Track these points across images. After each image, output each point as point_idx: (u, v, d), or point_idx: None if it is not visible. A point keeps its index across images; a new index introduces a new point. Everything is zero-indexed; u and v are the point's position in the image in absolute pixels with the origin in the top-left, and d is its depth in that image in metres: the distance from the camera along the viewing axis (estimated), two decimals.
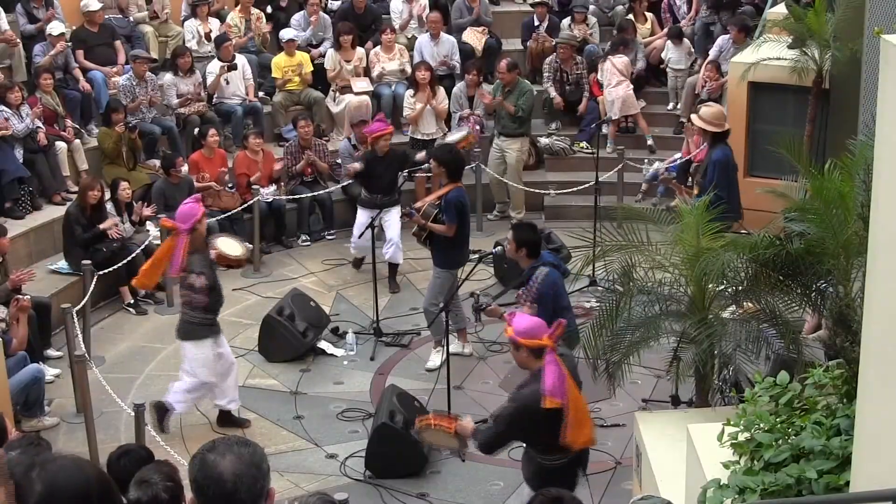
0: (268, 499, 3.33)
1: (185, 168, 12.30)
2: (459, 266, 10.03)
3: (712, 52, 13.99)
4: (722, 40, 13.97)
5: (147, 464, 5.17)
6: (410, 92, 13.84)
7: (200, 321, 8.83)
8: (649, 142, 14.23)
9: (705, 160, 10.60)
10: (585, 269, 8.64)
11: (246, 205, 12.53)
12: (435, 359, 10.18)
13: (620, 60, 14.01)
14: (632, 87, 14.08)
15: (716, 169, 10.26)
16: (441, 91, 13.85)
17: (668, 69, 14.65)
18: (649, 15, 15.24)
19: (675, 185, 12.04)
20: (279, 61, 14.22)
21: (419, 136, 13.70)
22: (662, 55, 14.63)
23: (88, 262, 10.49)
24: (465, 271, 9.93)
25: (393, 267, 11.87)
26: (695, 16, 15.05)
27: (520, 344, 6.54)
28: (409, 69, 14.39)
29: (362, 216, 11.58)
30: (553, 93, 14.38)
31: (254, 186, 12.55)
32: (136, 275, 11.37)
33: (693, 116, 10.52)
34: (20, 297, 9.48)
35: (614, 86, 13.95)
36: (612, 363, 7.40)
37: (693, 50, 14.54)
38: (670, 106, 14.67)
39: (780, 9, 12.83)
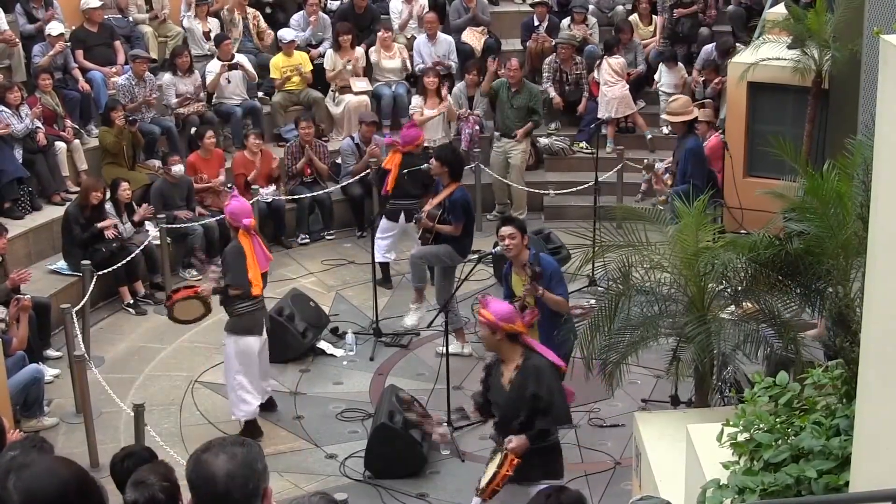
0: (264, 498, 3.33)
1: (178, 167, 12.22)
2: (465, 255, 10.27)
3: (700, 61, 14.13)
4: (705, 52, 14.12)
5: None
6: (418, 99, 13.67)
7: None
8: (648, 136, 14.23)
9: (679, 150, 10.83)
10: (584, 268, 8.66)
11: None
12: (413, 317, 10.58)
13: (616, 61, 14.04)
14: (627, 87, 14.09)
15: (689, 158, 10.49)
16: (448, 98, 13.75)
17: (659, 92, 14.32)
18: (655, 18, 15.17)
19: (657, 176, 12.08)
20: (277, 62, 14.22)
21: (425, 143, 13.54)
22: (655, 76, 14.39)
23: (88, 262, 10.49)
24: (465, 272, 9.95)
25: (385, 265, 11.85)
26: (658, 45, 14.86)
27: (499, 327, 6.72)
28: (409, 65, 14.40)
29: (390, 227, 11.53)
30: (552, 93, 14.38)
31: (253, 187, 12.54)
32: (137, 276, 11.50)
33: (663, 117, 10.82)
34: (21, 296, 9.48)
35: (610, 86, 13.98)
36: (611, 363, 7.40)
37: (686, 76, 14.22)
38: (666, 130, 14.04)
39: (780, 9, 12.84)
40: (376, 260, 11.39)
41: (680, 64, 14.25)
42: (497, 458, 6.83)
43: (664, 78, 14.24)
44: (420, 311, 10.80)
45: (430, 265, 10.73)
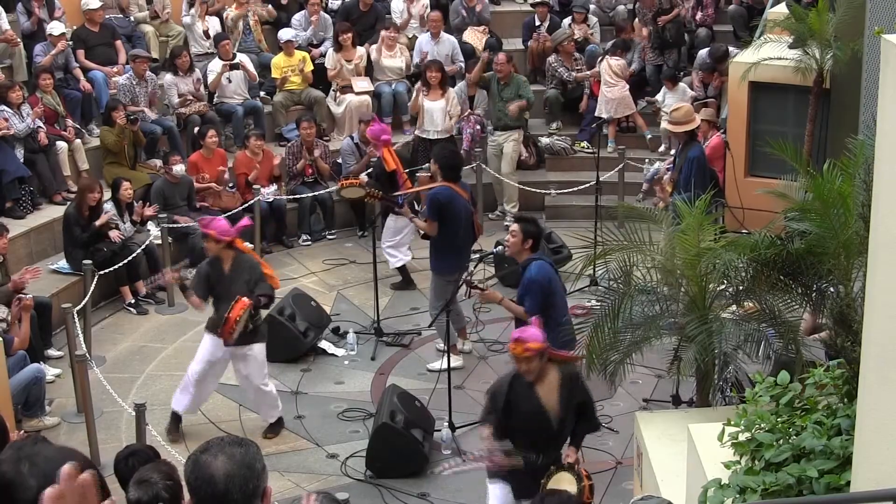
0: (264, 498, 3.33)
1: (179, 167, 12.24)
2: (453, 272, 9.75)
3: (698, 62, 14.13)
4: (700, 57, 14.14)
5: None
6: (423, 90, 13.63)
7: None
8: (648, 136, 14.22)
9: (681, 158, 10.84)
10: (586, 269, 8.66)
11: (246, 204, 12.52)
12: (440, 362, 10.19)
13: (617, 63, 14.05)
14: (627, 87, 14.09)
15: (692, 166, 10.54)
16: (452, 92, 13.74)
17: (661, 113, 13.90)
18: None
19: (660, 186, 12.19)
20: (278, 61, 14.23)
21: (426, 136, 13.56)
22: (658, 97, 14.14)
23: (89, 261, 10.49)
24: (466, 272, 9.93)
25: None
26: (643, 57, 14.74)
27: (546, 350, 6.82)
28: (409, 63, 14.41)
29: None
30: (564, 74, 14.36)
31: (254, 186, 12.55)
32: (138, 275, 11.51)
33: (664, 126, 10.84)
34: (22, 296, 9.47)
35: (610, 87, 13.99)
36: (612, 362, 7.40)
37: (691, 91, 13.93)
38: (662, 148, 14.02)
39: (781, 8, 12.83)
40: (394, 266, 11.65)
41: (682, 84, 14.01)
42: (568, 478, 6.79)
43: (667, 99, 13.88)
44: (460, 358, 10.17)
45: (444, 299, 9.80)
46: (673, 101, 13.86)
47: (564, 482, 6.77)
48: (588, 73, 14.35)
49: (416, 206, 10.82)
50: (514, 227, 8.47)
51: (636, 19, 15.11)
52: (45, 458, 3.26)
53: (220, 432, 9.00)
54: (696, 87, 13.94)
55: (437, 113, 13.44)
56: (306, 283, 12.01)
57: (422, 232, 10.19)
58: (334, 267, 12.58)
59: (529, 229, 8.41)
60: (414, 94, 13.74)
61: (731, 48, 13.94)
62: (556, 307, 8.34)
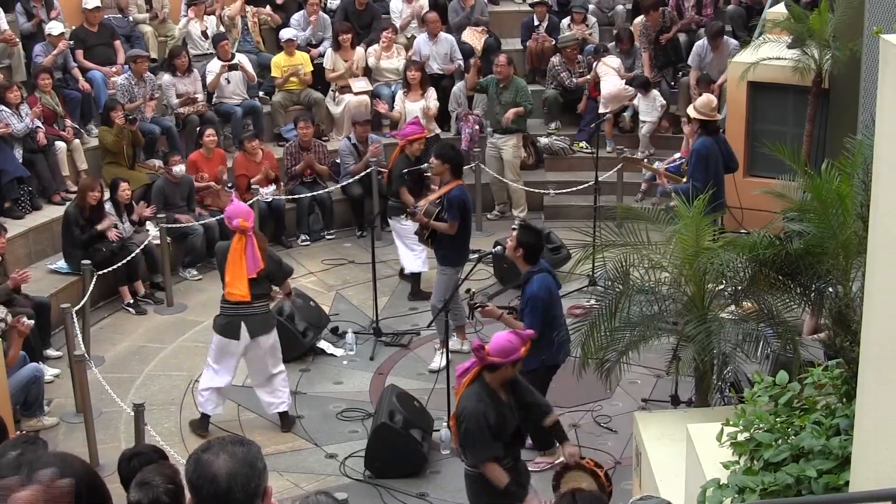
0: (264, 497, 3.33)
1: (179, 167, 12.23)
2: (463, 263, 10.07)
3: (693, 62, 14.05)
4: (698, 47, 14.05)
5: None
6: (403, 91, 13.82)
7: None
8: (627, 112, 14.32)
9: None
10: (584, 268, 8.67)
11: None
12: (438, 360, 10.16)
13: (612, 60, 14.09)
14: (624, 81, 14.10)
15: (692, 159, 10.53)
16: (431, 91, 13.77)
17: (639, 118, 14.13)
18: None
19: (648, 166, 12.18)
20: (279, 61, 14.22)
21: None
22: (634, 102, 14.15)
23: (88, 261, 10.48)
24: (465, 271, 9.95)
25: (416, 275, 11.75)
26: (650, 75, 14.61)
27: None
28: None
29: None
30: (566, 80, 14.35)
31: (253, 187, 12.54)
32: (137, 275, 11.49)
33: (689, 108, 10.87)
34: (25, 319, 9.03)
35: (608, 81, 14.02)
36: (609, 361, 7.40)
37: (664, 101, 13.97)
38: (638, 154, 13.85)
39: (780, 8, 12.84)
40: (410, 270, 11.56)
41: (654, 91, 13.97)
42: (581, 475, 6.85)
43: (641, 104, 14.01)
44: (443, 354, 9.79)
45: (449, 292, 9.88)
46: (646, 106, 13.98)
47: (581, 481, 6.77)
48: (589, 76, 14.35)
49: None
50: (514, 232, 8.48)
51: (635, 20, 15.09)
52: (45, 464, 3.27)
53: (220, 432, 9.00)
54: (694, 89, 13.88)
55: (417, 114, 13.43)
56: (305, 283, 12.00)
57: (426, 234, 10.14)
58: (333, 267, 12.58)
59: (523, 238, 8.32)
60: (396, 102, 13.73)
61: (727, 36, 13.93)
62: (556, 318, 8.32)
